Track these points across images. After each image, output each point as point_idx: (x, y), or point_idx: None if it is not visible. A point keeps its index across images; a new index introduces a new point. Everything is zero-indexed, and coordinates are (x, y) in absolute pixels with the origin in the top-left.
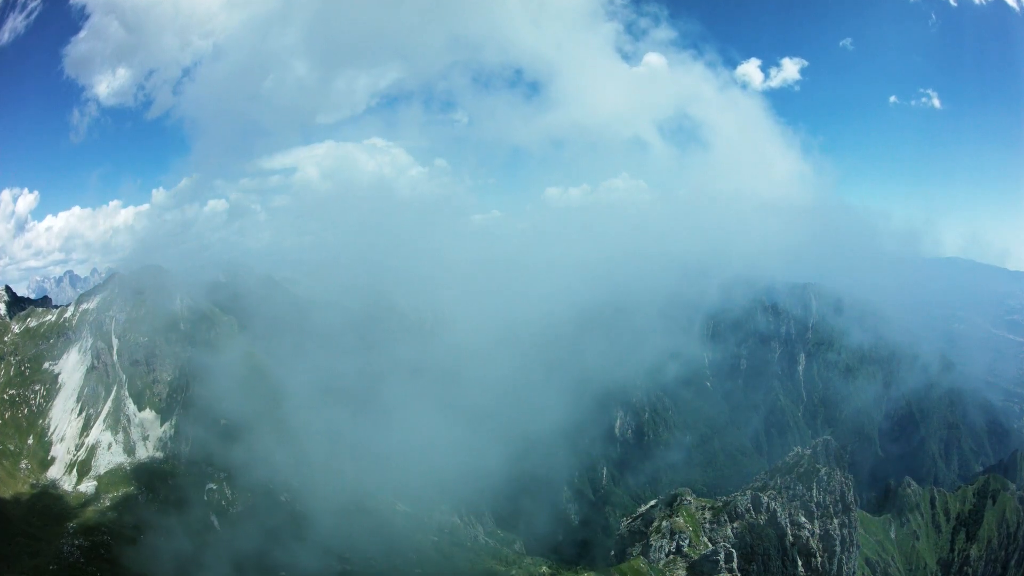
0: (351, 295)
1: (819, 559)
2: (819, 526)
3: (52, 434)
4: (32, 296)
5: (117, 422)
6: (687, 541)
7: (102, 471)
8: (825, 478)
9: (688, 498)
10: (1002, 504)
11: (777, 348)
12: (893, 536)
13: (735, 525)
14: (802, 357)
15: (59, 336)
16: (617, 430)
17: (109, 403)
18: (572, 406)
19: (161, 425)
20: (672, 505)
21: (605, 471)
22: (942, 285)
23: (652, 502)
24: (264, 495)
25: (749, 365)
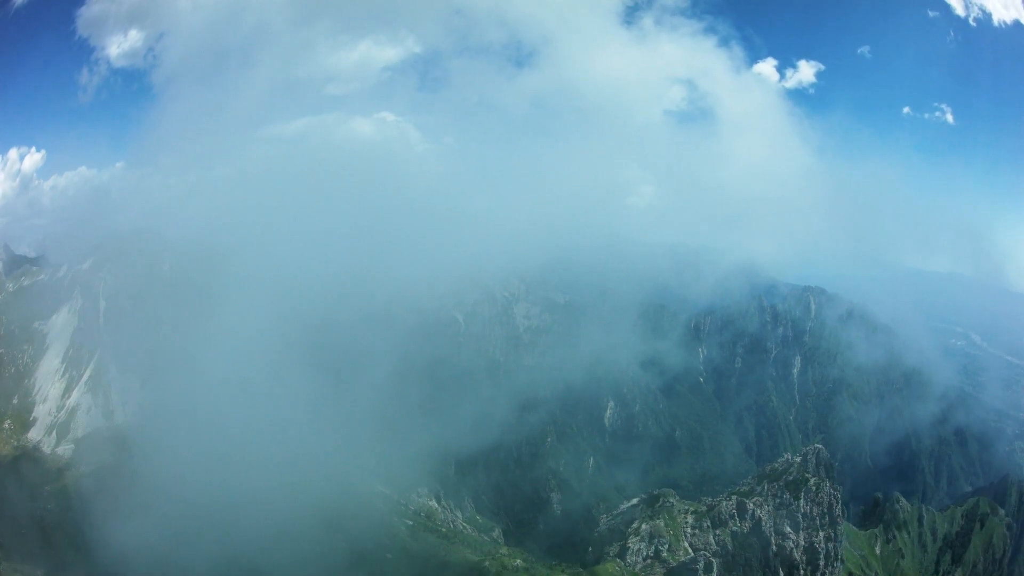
0: (344, 271)
1: (801, 572)
2: (804, 538)
3: (36, 394)
4: (32, 255)
5: (98, 385)
6: (667, 546)
7: (80, 434)
8: (814, 489)
9: (671, 499)
10: (990, 529)
11: (773, 349)
12: (878, 552)
13: (717, 532)
14: (798, 360)
15: (50, 296)
16: (607, 421)
17: (92, 365)
18: (563, 393)
19: (141, 389)
20: (654, 506)
21: (592, 461)
22: (945, 301)
23: (634, 500)
24: (222, 460)
25: (744, 364)
